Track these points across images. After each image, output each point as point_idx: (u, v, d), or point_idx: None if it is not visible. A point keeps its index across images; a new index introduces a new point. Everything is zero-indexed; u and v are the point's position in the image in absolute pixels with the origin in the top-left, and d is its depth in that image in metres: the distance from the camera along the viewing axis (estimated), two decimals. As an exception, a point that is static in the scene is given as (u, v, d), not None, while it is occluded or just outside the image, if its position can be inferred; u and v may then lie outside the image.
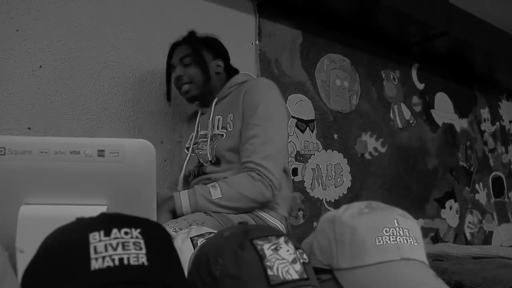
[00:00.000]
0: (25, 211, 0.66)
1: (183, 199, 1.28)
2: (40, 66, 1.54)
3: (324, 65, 2.38)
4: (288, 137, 1.53)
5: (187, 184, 1.53)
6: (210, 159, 1.44)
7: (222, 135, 1.44)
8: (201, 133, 1.53)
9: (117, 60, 1.71)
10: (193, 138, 1.54)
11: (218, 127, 1.47)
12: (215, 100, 1.52)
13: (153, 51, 1.80)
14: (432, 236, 2.68)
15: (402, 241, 0.66)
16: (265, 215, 1.37)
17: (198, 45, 1.54)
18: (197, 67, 1.50)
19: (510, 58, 3.01)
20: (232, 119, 1.44)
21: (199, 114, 1.59)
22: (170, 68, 1.61)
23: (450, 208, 2.84)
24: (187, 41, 1.56)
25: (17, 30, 1.51)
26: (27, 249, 0.60)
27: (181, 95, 1.57)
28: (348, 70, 2.49)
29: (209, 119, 1.50)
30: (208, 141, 1.46)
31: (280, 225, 1.39)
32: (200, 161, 1.48)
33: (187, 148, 1.56)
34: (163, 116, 1.80)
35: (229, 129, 1.43)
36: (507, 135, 3.46)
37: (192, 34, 1.59)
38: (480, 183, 3.12)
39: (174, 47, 1.59)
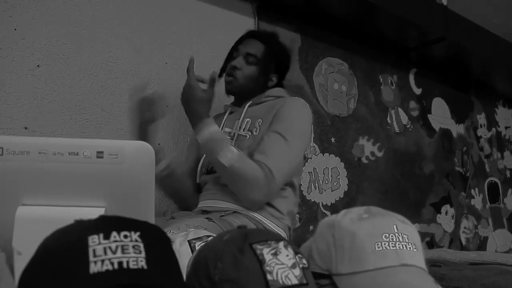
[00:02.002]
0: (23, 212, 0.65)
1: (203, 136, 1.30)
2: (38, 66, 1.53)
3: (322, 68, 2.38)
4: (304, 159, 1.52)
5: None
6: None
7: (246, 136, 1.44)
8: (225, 130, 1.52)
9: (116, 61, 1.70)
10: None
11: (244, 128, 1.46)
12: (248, 103, 1.51)
13: (152, 52, 1.80)
14: (428, 241, 2.68)
15: (401, 247, 0.66)
16: (270, 224, 1.36)
17: (272, 54, 1.52)
18: (256, 73, 1.49)
19: (507, 65, 3.02)
20: (260, 124, 1.44)
21: (227, 112, 1.58)
22: (234, 48, 1.56)
23: (446, 213, 2.84)
24: (264, 41, 1.54)
25: (15, 29, 1.50)
26: (24, 250, 0.59)
27: (225, 80, 1.54)
28: (346, 74, 2.50)
29: (239, 119, 1.49)
30: (233, 140, 1.45)
31: (283, 234, 1.38)
32: None
33: None
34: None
35: (255, 133, 1.43)
36: (503, 141, 3.47)
37: (274, 37, 1.58)
38: (476, 189, 3.13)
39: (251, 35, 1.56)
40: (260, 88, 1.54)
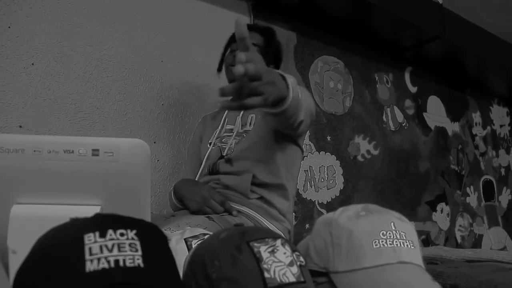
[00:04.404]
0: (17, 210, 0.65)
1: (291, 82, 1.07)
2: (32, 64, 1.52)
3: (318, 67, 2.38)
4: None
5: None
6: (230, 152, 1.41)
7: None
8: (227, 127, 1.50)
9: (111, 59, 1.69)
10: (217, 133, 1.50)
11: (250, 124, 1.44)
12: None
13: (147, 50, 1.79)
14: (423, 238, 2.69)
15: (399, 245, 0.66)
16: (270, 226, 1.34)
17: (271, 44, 1.54)
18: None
19: (501, 64, 3.03)
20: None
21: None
22: (231, 43, 1.57)
23: (441, 211, 2.85)
24: (263, 33, 1.55)
25: (9, 27, 1.49)
26: (19, 249, 0.59)
27: (229, 72, 1.52)
28: (342, 73, 2.50)
29: (239, 115, 1.46)
30: (233, 136, 1.43)
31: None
32: (222, 153, 1.44)
33: (210, 143, 1.51)
34: (156, 116, 1.79)
35: None
36: (497, 139, 3.48)
37: (272, 32, 1.58)
38: (471, 187, 3.14)
39: (249, 28, 1.55)
40: None
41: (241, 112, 1.46)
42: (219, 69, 1.60)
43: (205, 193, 1.31)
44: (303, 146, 1.51)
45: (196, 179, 1.49)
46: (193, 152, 1.62)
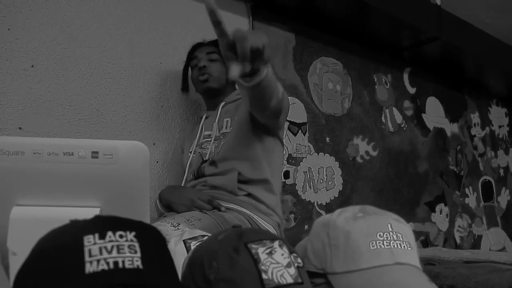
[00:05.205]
0: (17, 212, 0.65)
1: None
2: (32, 66, 1.53)
3: (317, 68, 2.38)
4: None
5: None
6: (212, 156, 1.46)
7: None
8: (205, 133, 1.56)
9: (110, 61, 1.70)
10: (197, 141, 1.56)
11: (226, 127, 1.49)
12: (222, 104, 1.56)
13: (146, 52, 1.80)
14: (422, 239, 2.70)
15: (395, 246, 0.67)
16: (260, 220, 1.37)
17: None
18: (222, 67, 1.56)
19: (500, 64, 3.04)
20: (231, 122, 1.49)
21: (203, 118, 1.61)
22: (189, 61, 1.66)
23: (440, 212, 2.86)
24: (215, 44, 1.60)
25: (8, 29, 1.49)
26: (19, 251, 0.59)
27: (198, 84, 1.61)
28: (341, 74, 2.50)
29: (215, 121, 1.52)
30: (212, 140, 1.49)
31: (273, 231, 1.40)
32: (203, 159, 1.50)
33: (190, 152, 1.57)
34: (156, 117, 1.79)
35: None
36: (496, 140, 3.49)
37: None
38: (470, 187, 3.14)
39: (199, 45, 1.65)
40: (229, 86, 1.59)
41: (217, 118, 1.53)
42: (184, 88, 1.72)
43: (192, 195, 1.35)
44: (283, 139, 1.53)
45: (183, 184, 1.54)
46: (175, 163, 1.68)
